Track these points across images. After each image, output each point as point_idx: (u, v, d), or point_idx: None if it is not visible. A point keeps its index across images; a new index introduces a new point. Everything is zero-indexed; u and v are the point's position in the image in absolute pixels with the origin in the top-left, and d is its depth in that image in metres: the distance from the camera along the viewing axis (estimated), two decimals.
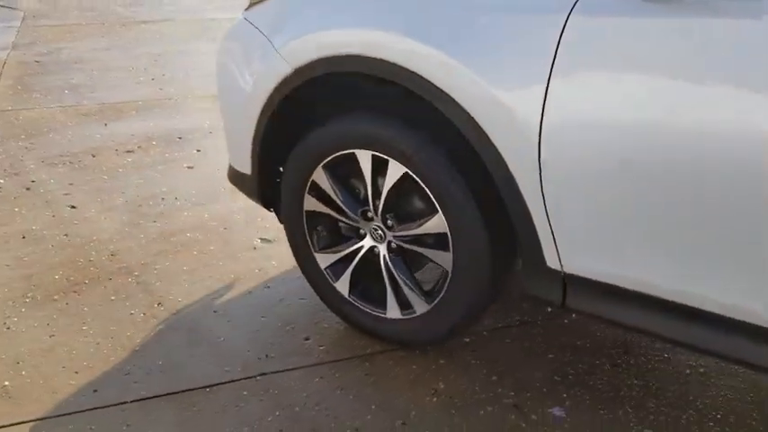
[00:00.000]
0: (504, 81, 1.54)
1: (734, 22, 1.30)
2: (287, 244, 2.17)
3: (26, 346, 2.05)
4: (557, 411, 1.84)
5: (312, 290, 2.20)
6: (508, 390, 1.90)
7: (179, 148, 3.64)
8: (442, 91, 1.63)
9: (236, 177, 2.29)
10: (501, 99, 1.54)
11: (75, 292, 2.33)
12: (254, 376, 1.94)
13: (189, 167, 3.39)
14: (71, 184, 3.16)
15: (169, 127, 3.92)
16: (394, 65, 1.69)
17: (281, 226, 2.18)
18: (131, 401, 1.84)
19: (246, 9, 2.10)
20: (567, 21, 1.46)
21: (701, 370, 1.97)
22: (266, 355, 2.03)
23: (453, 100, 1.62)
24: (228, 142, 2.26)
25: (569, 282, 1.66)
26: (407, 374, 1.96)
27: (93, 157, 3.50)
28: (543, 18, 1.49)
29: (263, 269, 2.49)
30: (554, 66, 1.47)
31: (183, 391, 1.88)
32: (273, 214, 2.24)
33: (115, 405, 1.83)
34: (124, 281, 2.40)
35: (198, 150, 3.60)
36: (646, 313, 1.57)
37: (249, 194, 2.29)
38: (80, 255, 2.56)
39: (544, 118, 1.50)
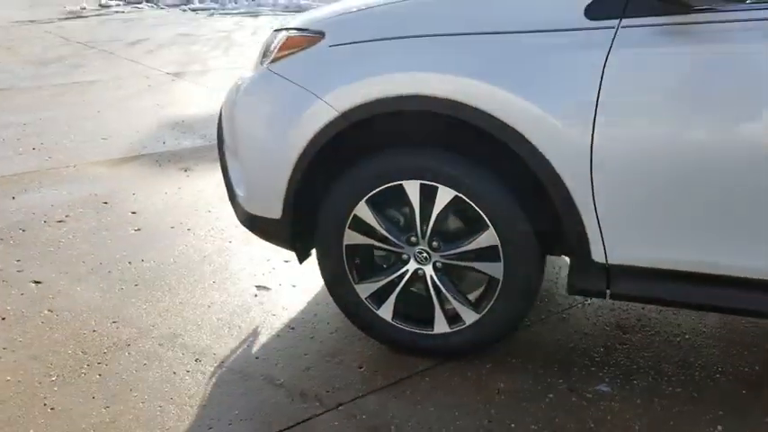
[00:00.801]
0: (562, 112, 1.83)
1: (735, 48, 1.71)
2: (284, 288, 2.28)
3: (85, 422, 1.95)
4: (603, 388, 2.13)
5: (342, 321, 2.34)
6: (556, 378, 2.16)
7: (111, 212, 3.52)
8: (500, 122, 1.88)
9: (257, 223, 2.35)
10: (559, 126, 1.83)
11: (100, 363, 2.23)
12: (335, 407, 2.02)
13: (136, 230, 3.30)
14: (19, 261, 2.96)
15: (85, 194, 3.76)
16: (448, 101, 1.92)
17: (273, 273, 2.28)
18: None
19: (272, 62, 2.21)
20: (608, 55, 1.79)
21: (687, 336, 2.37)
22: (333, 387, 2.12)
23: (515, 130, 1.87)
24: (250, 191, 2.31)
25: (612, 271, 1.97)
26: (466, 381, 2.15)
27: (23, 231, 3.28)
28: (594, 54, 1.80)
29: (276, 314, 2.55)
30: (600, 90, 1.79)
31: None
32: (246, 262, 2.32)
33: None
34: (145, 344, 2.34)
35: (133, 212, 3.51)
36: (685, 287, 1.92)
37: (273, 238, 2.36)
38: (81, 327, 2.44)
39: (594, 139, 1.81)
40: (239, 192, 2.40)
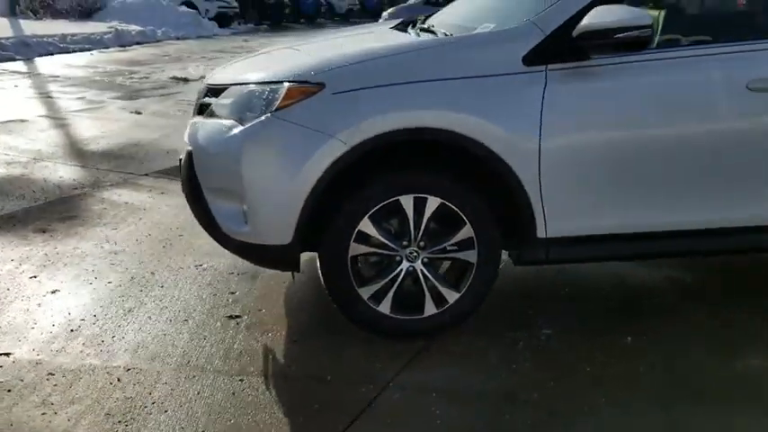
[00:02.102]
0: (515, 128, 2.58)
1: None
2: (256, 313, 2.74)
3: None
4: (546, 330, 2.90)
5: (345, 324, 2.78)
6: (528, 328, 2.87)
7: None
8: (474, 141, 2.56)
9: (261, 251, 2.68)
10: (516, 137, 2.57)
11: None
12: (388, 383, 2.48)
13: (54, 292, 3.24)
14: None
15: None
16: (437, 130, 2.55)
17: (237, 304, 2.71)
18: None
19: (277, 110, 2.58)
20: (546, 88, 2.59)
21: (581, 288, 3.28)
22: (390, 358, 2.59)
23: (484, 145, 2.56)
24: (260, 223, 2.63)
25: (550, 243, 2.76)
26: (469, 345, 2.76)
27: None
28: (533, 89, 2.58)
29: (271, 331, 2.86)
30: (544, 112, 2.58)
31: None
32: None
33: None
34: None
35: (54, 292, 3.39)
36: (604, 247, 2.79)
37: (278, 262, 2.72)
38: None
39: (543, 142, 2.59)
40: (237, 227, 2.69)
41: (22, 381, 2.49)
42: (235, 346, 2.75)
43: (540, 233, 2.72)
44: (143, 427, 2.24)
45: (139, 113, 7.54)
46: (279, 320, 2.98)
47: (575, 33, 2.58)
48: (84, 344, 2.75)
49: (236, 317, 2.99)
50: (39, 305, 3.07)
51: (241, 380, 2.52)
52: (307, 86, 2.61)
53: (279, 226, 2.62)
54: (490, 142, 2.58)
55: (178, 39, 16.67)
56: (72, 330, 2.86)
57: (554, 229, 2.72)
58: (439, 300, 2.77)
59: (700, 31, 2.85)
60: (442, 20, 3.38)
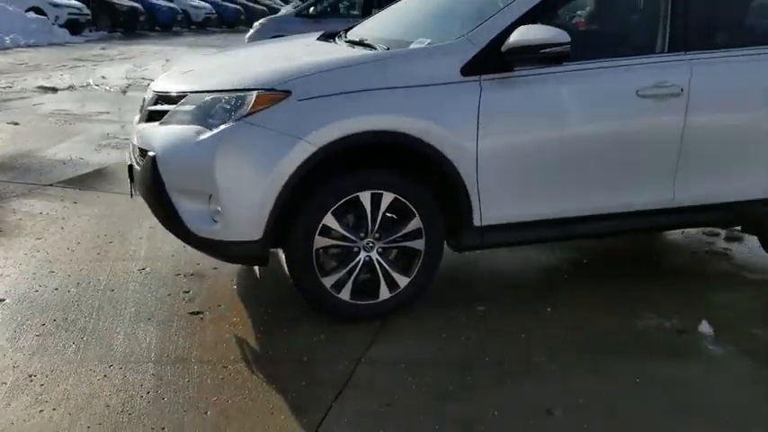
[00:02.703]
0: (453, 127, 2.96)
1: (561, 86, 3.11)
2: (216, 308, 3.02)
3: None
4: (479, 307, 3.31)
5: (303, 312, 3.03)
6: (464, 306, 3.26)
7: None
8: (423, 141, 2.92)
9: (232, 247, 2.87)
10: (456, 135, 2.96)
11: None
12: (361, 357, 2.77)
13: (39, 334, 3.22)
14: None
15: None
16: (394, 132, 2.89)
17: (194, 301, 2.97)
18: None
19: (247, 116, 2.79)
20: (481, 95, 3.00)
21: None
22: (353, 338, 2.84)
23: (431, 145, 2.93)
24: (231, 221, 2.82)
25: (486, 230, 3.18)
26: (419, 323, 3.10)
27: None
28: (471, 96, 2.99)
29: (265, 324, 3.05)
30: (480, 116, 2.99)
31: None
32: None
33: None
34: None
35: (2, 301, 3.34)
36: (529, 232, 3.24)
37: (248, 258, 2.93)
38: None
39: (479, 142, 3.00)
40: (205, 225, 2.87)
41: None
42: (207, 339, 2.92)
43: (477, 222, 3.13)
44: (147, 413, 2.38)
45: (17, 124, 7.22)
46: (240, 313, 3.16)
47: (503, 48, 3.01)
48: (56, 349, 2.80)
49: (198, 312, 3.15)
50: None
51: (224, 367, 2.70)
52: (274, 93, 2.84)
53: (250, 223, 2.83)
54: (436, 142, 2.95)
55: (29, 46, 15.74)
56: (38, 335, 2.89)
57: (488, 217, 3.14)
58: (392, 285, 3.09)
59: (599, 47, 3.37)
60: (370, 34, 3.70)
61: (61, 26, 18.41)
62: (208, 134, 2.85)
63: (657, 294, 3.55)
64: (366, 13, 12.38)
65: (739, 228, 4.20)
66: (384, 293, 3.09)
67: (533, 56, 2.98)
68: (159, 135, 3.03)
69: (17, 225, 4.17)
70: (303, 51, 3.66)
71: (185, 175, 2.91)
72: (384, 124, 2.90)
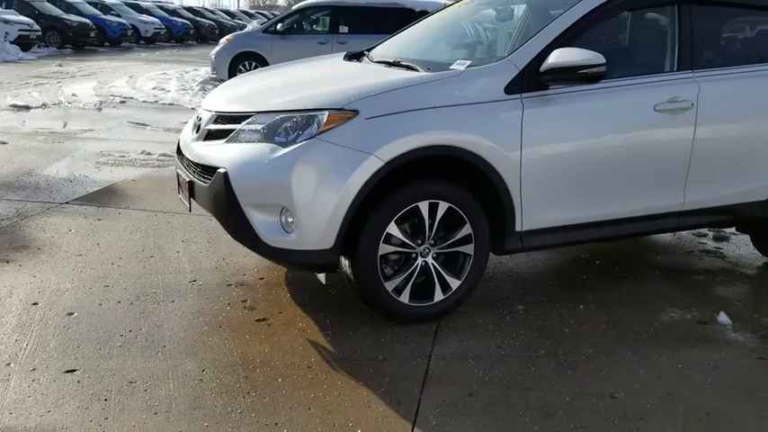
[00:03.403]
0: (499, 140, 3.25)
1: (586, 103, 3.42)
2: (278, 315, 3.22)
3: None
4: (520, 306, 3.59)
5: (361, 316, 3.25)
6: (505, 306, 3.53)
7: None
8: (475, 154, 3.20)
9: (305, 256, 3.07)
10: (502, 148, 3.25)
11: None
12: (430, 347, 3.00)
13: (121, 345, 3.32)
14: None
15: None
16: (451, 146, 3.15)
17: (256, 309, 3.15)
18: None
19: (320, 133, 3.01)
20: (524, 111, 3.30)
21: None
22: (417, 338, 3.07)
23: (482, 157, 3.21)
24: (306, 231, 3.02)
25: (525, 235, 3.47)
26: (470, 322, 3.35)
27: None
28: (514, 112, 3.28)
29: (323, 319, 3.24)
30: (523, 130, 3.29)
31: None
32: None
33: None
34: None
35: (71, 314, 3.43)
36: (562, 235, 3.55)
37: (319, 266, 3.13)
38: None
39: (523, 154, 3.30)
40: (279, 236, 3.07)
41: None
42: (282, 343, 3.10)
43: (518, 227, 3.42)
44: (256, 410, 2.56)
45: (5, 143, 7.18)
46: (303, 319, 3.36)
47: (542, 69, 3.31)
48: (144, 356, 2.94)
49: (264, 319, 3.33)
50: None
51: (309, 367, 2.90)
52: (343, 113, 3.07)
53: (324, 233, 3.04)
54: (486, 154, 3.22)
55: None
56: (120, 345, 3.02)
57: (528, 222, 3.43)
58: (445, 287, 3.35)
59: (619, 67, 3.71)
60: (399, 55, 3.96)
61: (12, 43, 18.02)
62: (283, 151, 3.05)
63: (670, 290, 3.91)
64: (333, 30, 12.67)
65: (725, 229, 4.64)
66: (438, 295, 3.34)
67: (571, 76, 3.29)
68: (228, 152, 3.21)
69: (53, 243, 4.25)
70: (351, 72, 3.89)
71: (260, 189, 3.09)
72: (441, 139, 3.15)
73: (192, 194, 3.47)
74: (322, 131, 3.05)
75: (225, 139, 3.31)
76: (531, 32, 3.71)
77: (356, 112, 3.07)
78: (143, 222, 4.72)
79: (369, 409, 2.62)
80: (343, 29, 12.58)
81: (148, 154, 6.92)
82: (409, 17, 12.56)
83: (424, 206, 3.20)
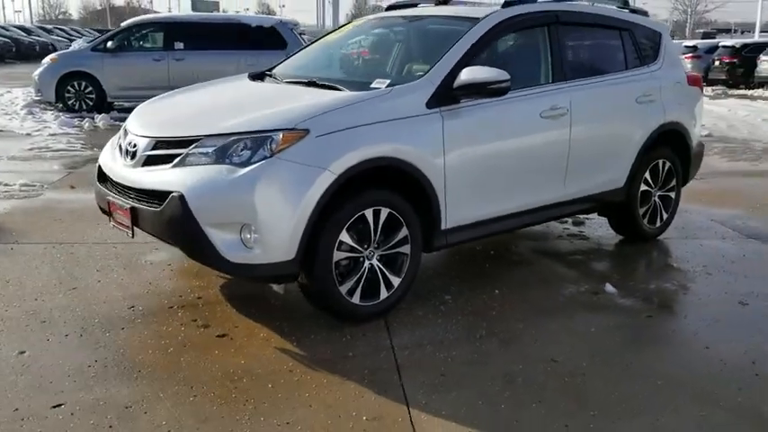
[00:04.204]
0: (426, 150, 3.66)
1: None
2: (235, 330, 3.40)
3: None
4: (446, 296, 4.03)
5: (313, 320, 3.51)
6: (434, 297, 3.93)
7: None
8: (409, 163, 3.58)
9: (268, 269, 3.27)
10: (429, 156, 3.66)
11: None
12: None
13: (91, 376, 3.21)
14: None
15: None
16: (389, 158, 3.50)
17: (212, 327, 3.37)
18: None
19: (278, 152, 3.20)
20: (444, 123, 3.74)
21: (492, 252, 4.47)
22: (373, 333, 3.37)
23: (414, 165, 3.60)
24: (269, 245, 3.21)
25: (448, 232, 3.92)
26: (410, 314, 3.70)
27: None
28: (436, 124, 3.70)
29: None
30: (445, 140, 3.73)
31: None
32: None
33: None
34: None
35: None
36: (477, 230, 4.04)
37: (281, 276, 3.34)
38: None
39: (446, 161, 3.74)
40: (240, 252, 3.24)
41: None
42: (252, 353, 3.26)
43: (443, 226, 3.85)
44: (264, 414, 2.73)
45: None
46: (260, 330, 3.52)
47: (455, 85, 3.77)
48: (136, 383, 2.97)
49: (224, 335, 3.45)
50: None
51: (290, 371, 3.10)
52: (296, 132, 3.30)
53: (287, 245, 3.26)
54: (418, 163, 3.62)
55: None
56: (76, 381, 3.02)
57: (451, 221, 3.87)
58: (388, 286, 3.68)
59: (513, 80, 4.23)
60: (313, 75, 4.24)
61: None
62: (242, 171, 3.22)
63: (559, 270, 4.57)
64: (168, 46, 12.40)
65: (580, 215, 5.45)
66: (383, 293, 3.66)
67: (482, 91, 3.78)
68: (180, 176, 3.31)
69: None
70: (274, 93, 4.12)
71: (221, 209, 3.24)
72: (381, 151, 3.50)
73: (135, 220, 3.50)
74: (279, 150, 3.26)
75: (171, 164, 3.39)
76: (413, 54, 4.24)
77: (307, 131, 3.32)
78: (44, 256, 4.54)
79: (362, 398, 2.89)
80: (179, 45, 12.38)
81: (7, 185, 6.51)
82: (246, 33, 12.73)
83: (369, 213, 3.51)
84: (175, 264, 4.47)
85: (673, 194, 5.32)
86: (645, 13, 5.45)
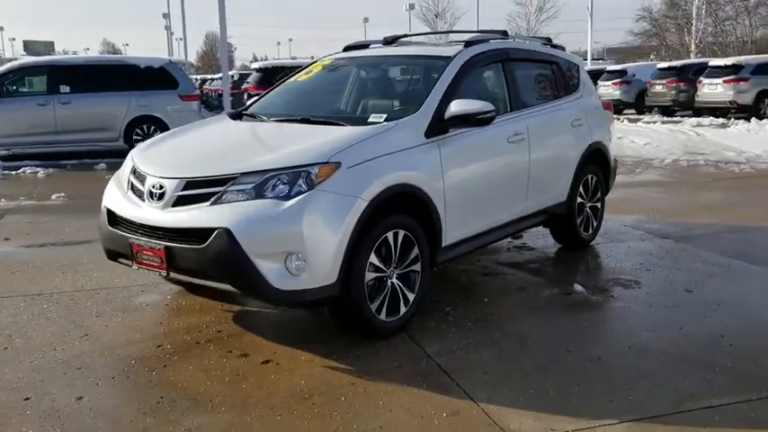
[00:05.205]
0: (430, 176, 4.08)
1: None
2: (275, 355, 3.68)
3: None
4: (446, 308, 4.42)
5: (338, 340, 3.80)
6: (435, 310, 4.31)
7: None
8: (418, 188, 3.97)
9: (314, 293, 3.50)
10: (432, 181, 4.08)
11: None
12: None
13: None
14: None
15: None
16: (405, 184, 3.87)
17: (250, 356, 3.64)
18: None
19: (318, 184, 3.47)
20: (440, 151, 4.17)
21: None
22: (403, 346, 3.68)
23: (422, 190, 4.00)
24: (316, 270, 3.45)
25: (447, 249, 4.34)
26: (424, 325, 4.05)
27: None
28: (435, 152, 4.12)
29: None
30: (442, 166, 4.16)
31: None
32: None
33: None
34: None
35: None
36: (465, 246, 4.48)
37: (324, 300, 3.58)
38: None
39: (444, 184, 4.17)
40: (287, 280, 3.47)
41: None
42: (308, 374, 3.46)
43: (443, 243, 4.26)
44: (347, 423, 2.97)
45: None
46: (300, 354, 3.71)
47: (446, 117, 4.21)
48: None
49: (268, 361, 3.62)
50: None
51: (352, 384, 3.35)
52: (329, 165, 3.59)
53: (329, 268, 3.52)
54: (424, 187, 4.02)
55: None
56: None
57: (449, 238, 4.29)
58: (405, 302, 4.02)
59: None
60: (299, 113, 4.54)
61: None
62: (288, 203, 3.46)
63: (527, 277, 5.12)
64: (53, 90, 11.92)
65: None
66: (403, 309, 3.99)
67: (470, 121, 4.25)
68: (222, 212, 3.49)
69: None
70: (279, 132, 4.38)
71: (269, 239, 3.45)
72: (399, 178, 3.86)
73: (169, 260, 3.60)
74: (319, 182, 3.53)
75: (208, 202, 3.56)
76: (396, 90, 4.73)
77: (339, 164, 3.62)
78: (29, 308, 4.43)
79: (432, 399, 3.20)
80: (65, 89, 11.96)
81: None
82: (135, 74, 12.53)
83: (390, 235, 3.85)
84: (172, 303, 4.53)
85: (599, 205, 6.07)
86: (563, 48, 6.21)
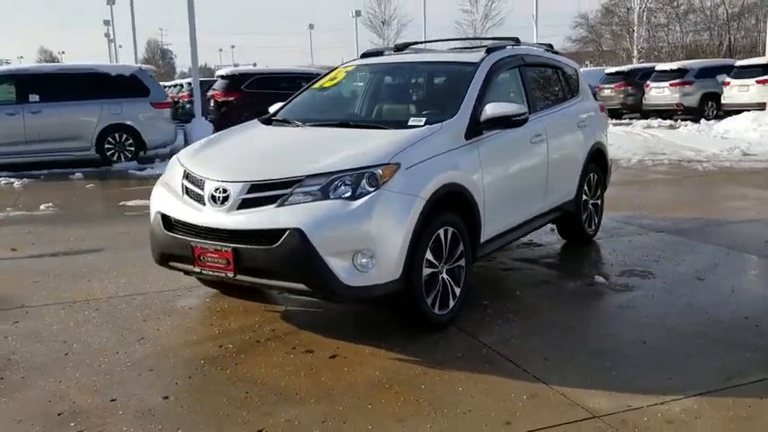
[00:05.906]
0: (472, 175, 4.29)
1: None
2: (340, 350, 3.84)
3: None
4: (485, 302, 4.63)
5: (387, 334, 3.96)
6: (475, 303, 4.50)
7: None
8: (464, 186, 4.17)
9: (381, 288, 3.65)
10: (474, 180, 4.29)
11: None
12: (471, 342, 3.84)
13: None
14: None
15: None
16: (453, 183, 4.07)
17: (315, 352, 3.80)
18: None
19: (381, 186, 3.62)
20: (478, 151, 4.39)
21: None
22: (456, 337, 3.86)
23: (466, 188, 4.20)
24: (385, 266, 3.61)
25: (484, 244, 4.55)
26: (468, 318, 4.24)
27: None
28: (474, 152, 4.33)
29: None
30: (481, 165, 4.38)
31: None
32: None
33: None
34: None
35: None
36: (497, 242, 4.71)
37: (389, 295, 3.72)
38: None
39: (483, 183, 4.38)
40: (356, 276, 3.62)
41: None
42: (378, 366, 3.60)
43: (482, 239, 4.47)
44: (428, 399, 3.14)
45: None
46: (363, 348, 3.84)
47: (482, 119, 4.43)
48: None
49: (335, 356, 3.74)
50: None
51: (425, 374, 3.50)
52: (390, 167, 3.75)
53: (395, 264, 3.69)
54: (468, 186, 4.22)
55: None
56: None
57: (486, 234, 4.50)
58: (453, 296, 4.20)
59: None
60: (334, 118, 4.71)
61: None
62: (356, 203, 3.61)
63: (548, 272, 5.38)
64: (22, 99, 11.68)
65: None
66: (451, 302, 4.18)
67: (506, 123, 4.48)
68: (291, 213, 3.61)
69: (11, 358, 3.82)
70: (323, 135, 4.51)
71: (339, 238, 3.59)
72: (448, 177, 4.05)
73: (237, 261, 3.69)
74: (383, 182, 3.68)
75: (275, 204, 3.67)
76: (428, 94, 4.95)
77: (399, 165, 3.78)
78: (72, 315, 4.44)
79: (507, 384, 3.39)
80: (34, 98, 11.72)
81: None
82: (106, 82, 12.37)
83: (441, 232, 4.03)
84: (214, 306, 4.61)
85: (599, 202, 6.40)
86: (563, 55, 6.52)
